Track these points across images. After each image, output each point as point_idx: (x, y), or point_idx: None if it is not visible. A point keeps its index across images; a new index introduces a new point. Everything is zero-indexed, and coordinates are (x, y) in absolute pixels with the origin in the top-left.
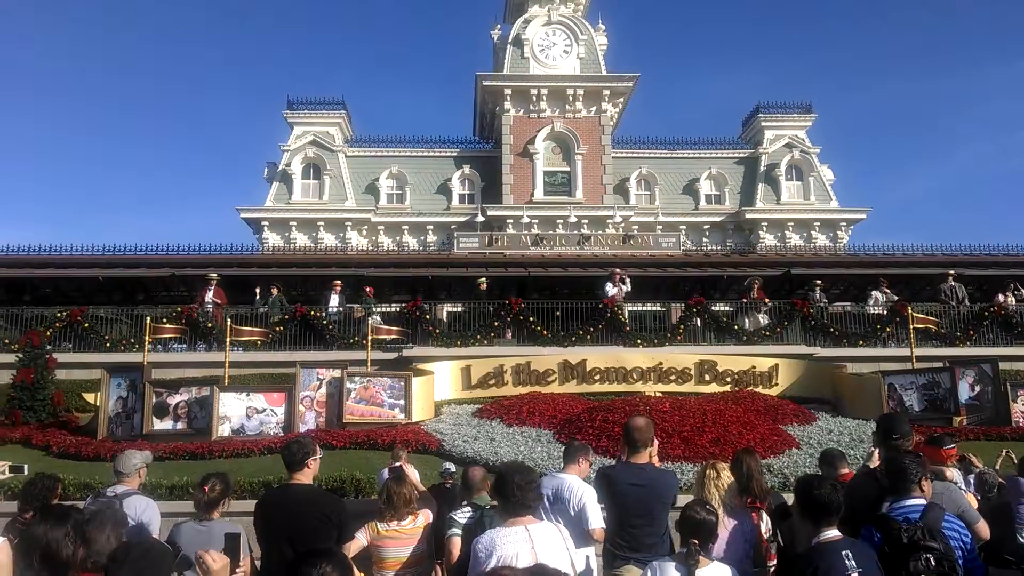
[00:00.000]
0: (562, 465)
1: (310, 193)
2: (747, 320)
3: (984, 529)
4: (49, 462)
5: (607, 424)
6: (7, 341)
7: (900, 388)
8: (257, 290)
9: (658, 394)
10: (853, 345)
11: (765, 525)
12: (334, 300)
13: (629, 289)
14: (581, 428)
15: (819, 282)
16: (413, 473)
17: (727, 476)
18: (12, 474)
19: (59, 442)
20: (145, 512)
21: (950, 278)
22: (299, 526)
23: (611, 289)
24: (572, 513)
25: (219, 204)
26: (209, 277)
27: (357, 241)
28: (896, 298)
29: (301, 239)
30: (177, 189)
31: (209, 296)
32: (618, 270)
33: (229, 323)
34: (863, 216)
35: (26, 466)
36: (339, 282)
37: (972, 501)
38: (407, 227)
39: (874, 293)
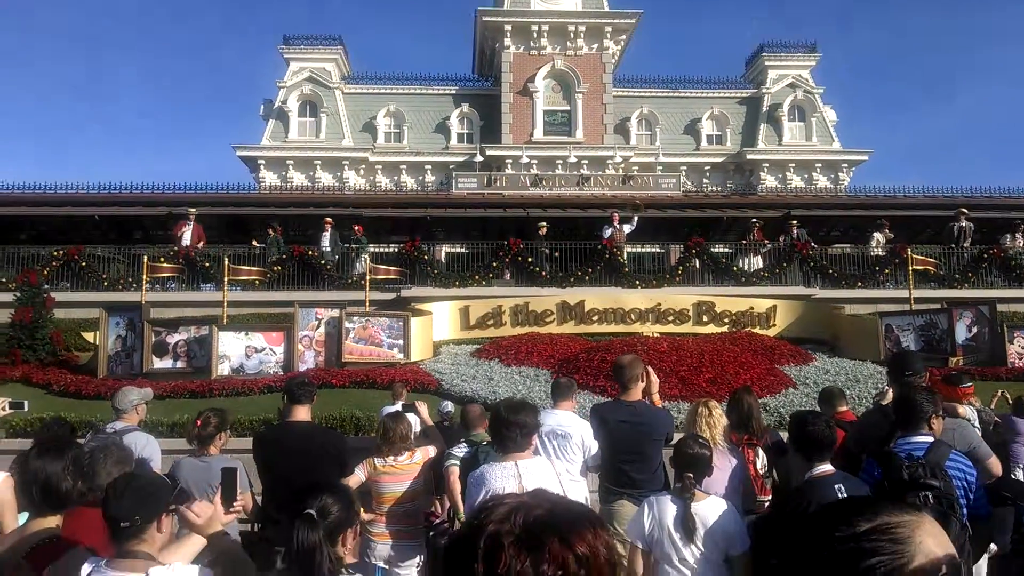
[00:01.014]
0: (553, 403)
1: (307, 131)
2: (744, 262)
3: (996, 465)
4: (50, 400)
5: (604, 364)
6: (4, 280)
7: (897, 329)
8: (270, 231)
9: (656, 335)
10: (852, 287)
11: (761, 461)
12: (326, 239)
13: (633, 228)
14: (579, 368)
15: (794, 221)
16: (423, 409)
17: (719, 414)
18: (12, 410)
19: (59, 381)
20: (146, 448)
21: (962, 217)
22: (300, 461)
23: (608, 230)
24: (569, 447)
25: (216, 143)
26: (188, 212)
27: (354, 181)
28: (892, 238)
29: (298, 178)
30: (174, 127)
31: (188, 232)
32: (616, 212)
33: (227, 262)
34: (865, 158)
35: (26, 402)
36: (330, 219)
37: None
38: (405, 167)
39: (875, 235)
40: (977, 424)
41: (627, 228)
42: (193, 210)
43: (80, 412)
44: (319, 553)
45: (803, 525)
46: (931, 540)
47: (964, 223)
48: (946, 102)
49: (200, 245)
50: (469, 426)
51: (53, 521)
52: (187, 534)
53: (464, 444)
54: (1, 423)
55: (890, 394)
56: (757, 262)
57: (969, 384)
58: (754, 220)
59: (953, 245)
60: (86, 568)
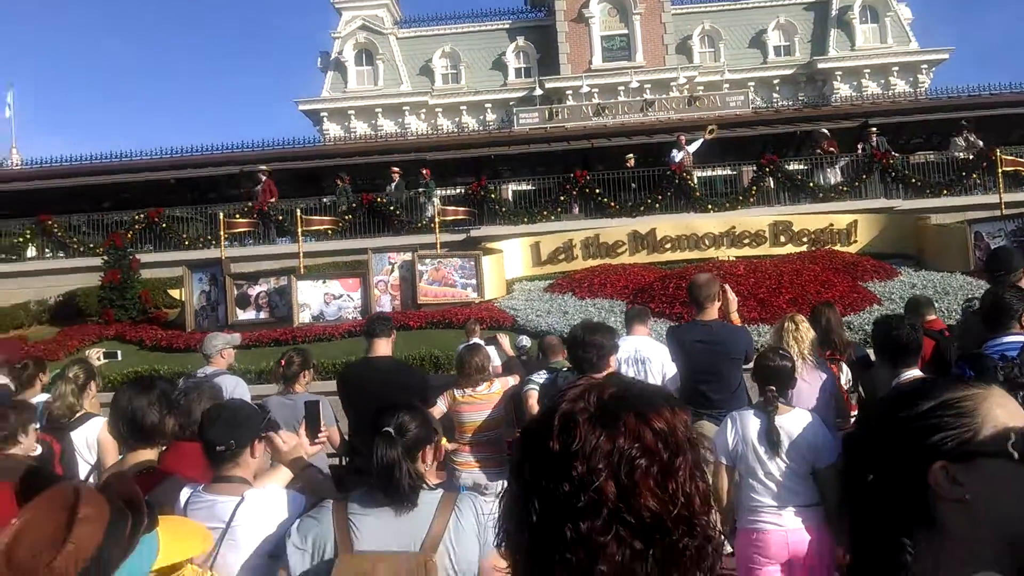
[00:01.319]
0: (627, 330)
1: (365, 80)
2: (820, 176)
3: None
4: (143, 355)
5: (680, 291)
6: (92, 246)
7: (988, 236)
8: (338, 182)
9: (732, 258)
10: (936, 195)
11: (845, 376)
12: (393, 187)
13: (700, 146)
14: (654, 296)
15: (874, 129)
16: (505, 341)
17: (806, 328)
18: (106, 360)
19: (151, 336)
20: (236, 390)
21: None
22: (383, 393)
23: (678, 155)
24: (649, 372)
25: (280, 99)
26: (259, 170)
27: (416, 125)
28: (979, 143)
29: (360, 128)
30: (239, 87)
31: (259, 188)
32: (683, 135)
33: (299, 214)
34: (945, 56)
35: (119, 352)
36: (397, 168)
37: None
38: (465, 107)
39: (956, 139)
40: None
41: (693, 147)
42: (264, 167)
43: (172, 364)
44: (399, 469)
45: (873, 414)
46: (1000, 411)
47: None
48: None
49: (272, 200)
50: (547, 355)
51: (147, 455)
52: (276, 465)
53: (544, 372)
54: (98, 373)
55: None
56: (834, 176)
57: None
58: (824, 131)
59: None
60: (185, 493)
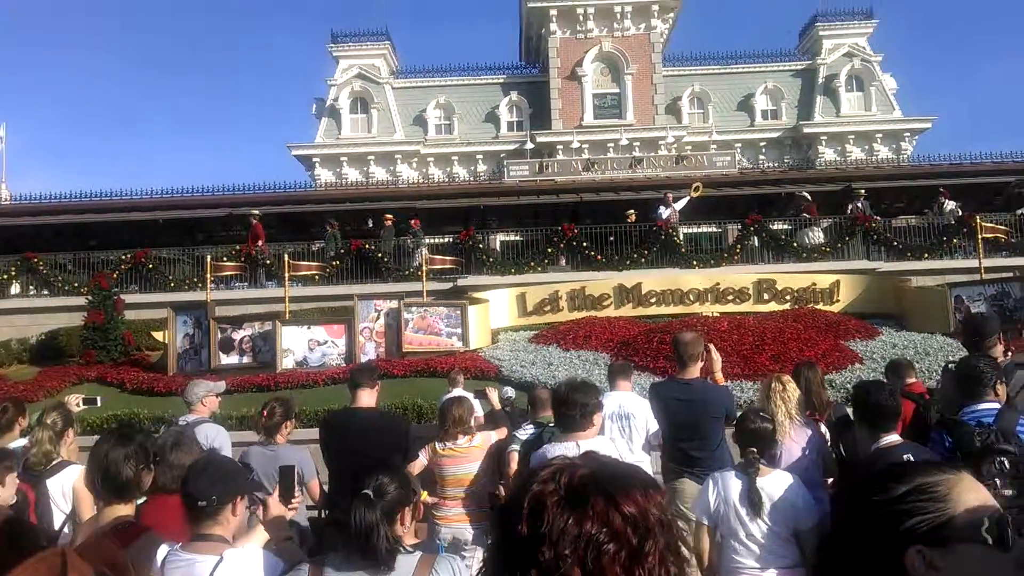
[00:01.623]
0: (610, 386)
1: (359, 128)
2: (806, 238)
3: None
4: (124, 398)
5: (664, 345)
6: (76, 285)
7: (967, 300)
8: (328, 227)
9: (716, 314)
10: (918, 258)
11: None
12: (385, 232)
13: (685, 204)
14: (638, 350)
15: (862, 192)
16: (493, 395)
17: (793, 388)
18: (86, 406)
19: (132, 379)
20: (216, 438)
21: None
22: (365, 446)
23: (665, 211)
24: (632, 428)
25: (271, 143)
26: (251, 214)
27: (407, 174)
28: (958, 209)
29: (352, 174)
30: (230, 130)
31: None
32: (670, 192)
33: (287, 259)
34: (928, 125)
35: (99, 398)
36: (390, 216)
37: None
38: (456, 157)
39: (946, 202)
40: None
41: (679, 205)
42: (256, 212)
43: (152, 408)
44: (376, 532)
45: (847, 496)
46: (971, 495)
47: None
48: (1014, 61)
49: (259, 244)
50: (536, 408)
51: (122, 510)
52: (255, 524)
53: (531, 426)
54: (76, 419)
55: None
56: (817, 237)
57: None
58: (806, 195)
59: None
60: (162, 551)
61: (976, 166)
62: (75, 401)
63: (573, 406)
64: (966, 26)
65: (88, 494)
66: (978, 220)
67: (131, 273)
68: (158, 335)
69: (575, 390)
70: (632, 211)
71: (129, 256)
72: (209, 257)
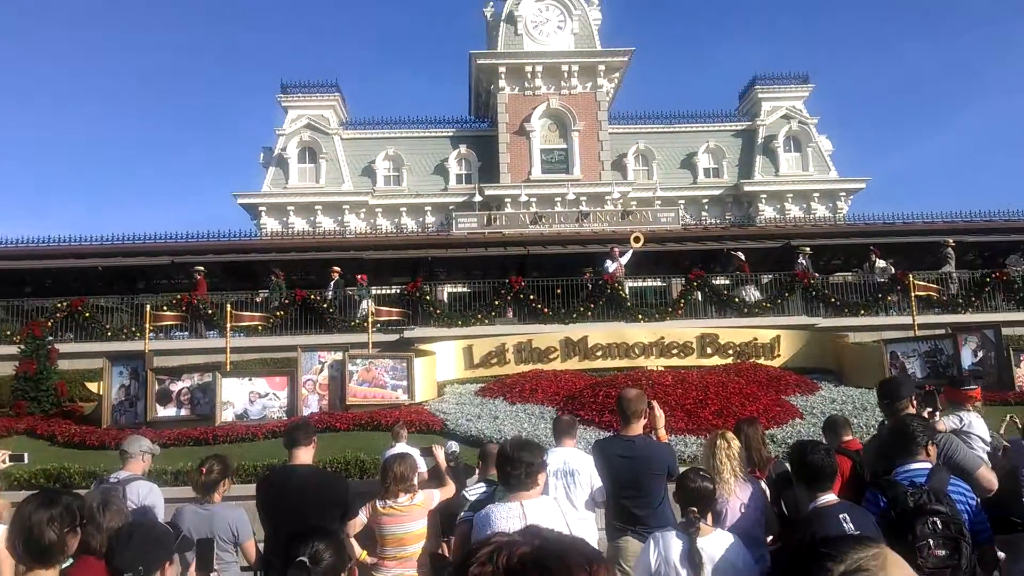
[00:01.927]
0: (556, 441)
1: (307, 177)
2: (744, 294)
3: (986, 476)
4: (54, 452)
5: (609, 399)
6: (9, 333)
7: (902, 356)
8: (272, 277)
9: (660, 368)
10: (854, 314)
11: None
12: (332, 285)
13: (630, 257)
14: (584, 404)
15: (807, 249)
16: (440, 453)
17: (737, 445)
18: (12, 463)
19: (63, 432)
20: (148, 496)
21: (948, 247)
22: (303, 505)
23: (611, 265)
24: (577, 485)
25: (216, 191)
26: (196, 271)
27: (355, 224)
28: (883, 265)
29: (299, 224)
30: (174, 177)
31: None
32: (616, 246)
33: (229, 309)
34: (862, 186)
35: (26, 455)
36: (338, 268)
37: None
38: (405, 208)
39: (878, 261)
40: (978, 432)
41: (625, 259)
42: (201, 267)
43: (84, 462)
44: None
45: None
46: (898, 571)
47: (949, 250)
48: (943, 126)
49: (201, 296)
50: (488, 464)
51: (45, 575)
52: None
53: (482, 484)
54: (2, 476)
55: None
56: (753, 294)
57: (974, 387)
58: (738, 254)
59: (946, 272)
60: None
61: (908, 225)
62: (1, 458)
63: (518, 465)
64: (897, 93)
65: (9, 557)
66: (911, 278)
67: (67, 321)
68: (92, 386)
69: (520, 448)
70: (589, 268)
71: (65, 304)
72: (149, 306)
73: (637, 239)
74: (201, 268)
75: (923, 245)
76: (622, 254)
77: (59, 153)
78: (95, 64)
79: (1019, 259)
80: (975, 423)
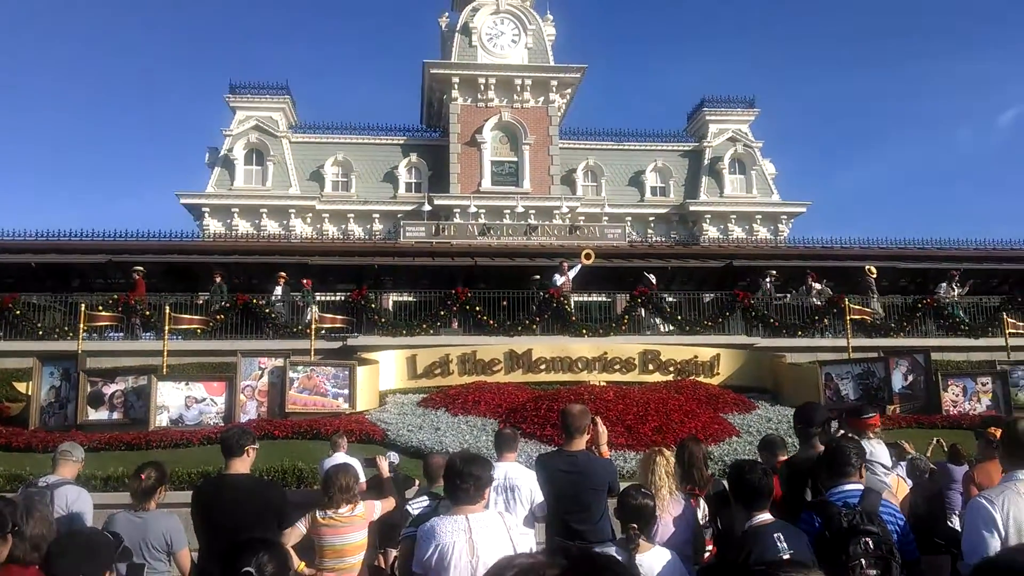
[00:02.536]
0: (497, 455)
1: (253, 179)
2: (652, 318)
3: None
4: None
5: (552, 413)
6: None
7: (836, 377)
8: (217, 279)
9: (603, 383)
10: (792, 336)
11: (702, 511)
12: (278, 291)
13: (577, 271)
14: (526, 417)
15: (774, 272)
16: (383, 464)
17: (673, 462)
18: None
19: None
20: (76, 502)
21: (870, 274)
22: (238, 515)
23: (559, 279)
24: (518, 499)
25: (159, 190)
26: (135, 271)
27: (301, 229)
28: (820, 288)
29: (243, 226)
30: (114, 173)
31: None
32: (565, 261)
33: (168, 311)
34: (803, 209)
35: None
36: (284, 274)
37: (903, 487)
38: (352, 215)
39: (814, 285)
40: (880, 459)
41: (572, 273)
42: (140, 267)
43: (9, 465)
44: None
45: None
46: None
47: (870, 278)
48: (880, 155)
49: (139, 297)
50: (432, 478)
51: None
52: None
53: (425, 498)
54: None
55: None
56: (656, 318)
57: (872, 415)
58: (649, 277)
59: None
60: None
61: (846, 250)
62: None
63: (467, 479)
64: (838, 119)
65: None
66: (847, 302)
67: None
68: (21, 386)
69: (470, 463)
70: (538, 275)
71: None
72: (83, 305)
73: (588, 256)
74: (140, 268)
75: (860, 269)
76: (571, 268)
77: None
78: (32, 56)
79: (948, 287)
80: (876, 450)
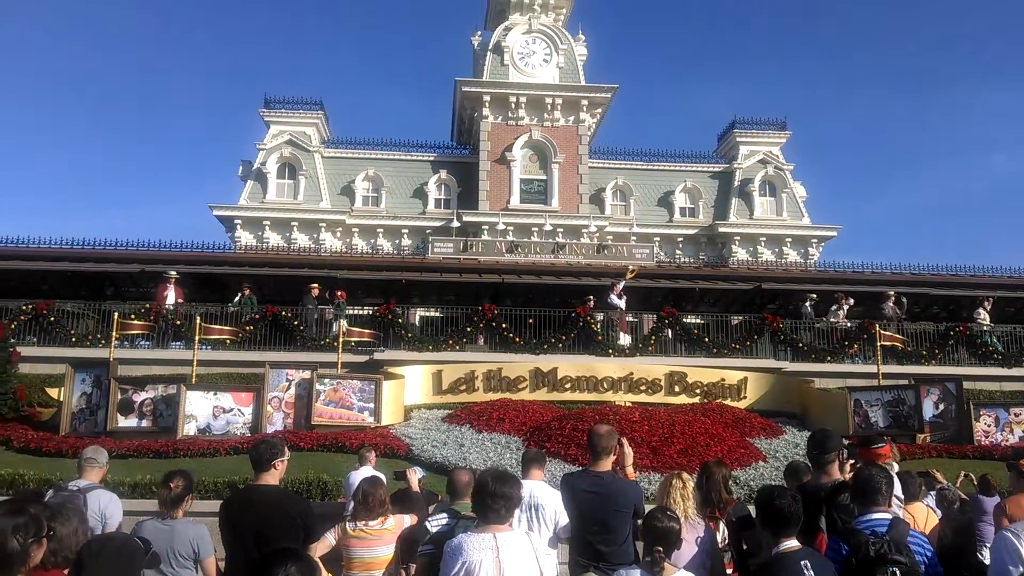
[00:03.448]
0: (523, 472)
1: (285, 193)
2: (621, 338)
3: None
4: (8, 457)
5: (576, 432)
6: None
7: (866, 404)
8: (246, 290)
9: (628, 404)
10: (821, 360)
11: (722, 535)
12: (310, 303)
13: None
14: (551, 436)
15: (814, 296)
16: (413, 477)
17: (692, 487)
18: None
19: (20, 437)
20: (108, 506)
21: (890, 299)
22: (265, 526)
23: (619, 301)
24: (543, 519)
25: (192, 201)
26: (168, 275)
27: (331, 243)
28: (847, 307)
29: (274, 239)
30: (150, 185)
31: (170, 294)
32: (614, 280)
33: (198, 321)
34: (834, 233)
35: None
36: (316, 285)
37: (932, 517)
38: (382, 230)
39: (840, 308)
40: (896, 489)
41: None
42: (174, 272)
43: (39, 469)
44: None
45: None
46: None
47: (891, 304)
48: (913, 180)
49: (179, 302)
50: (455, 494)
51: None
52: None
53: (445, 515)
54: None
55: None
56: (626, 340)
57: (882, 445)
58: (620, 296)
59: (887, 322)
60: None
61: (877, 275)
62: None
63: (498, 499)
64: (872, 146)
65: None
66: (877, 328)
67: (31, 324)
68: (53, 392)
69: (502, 482)
70: (591, 297)
71: (31, 306)
72: (116, 314)
73: (632, 271)
74: (175, 273)
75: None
76: (615, 285)
77: (34, 155)
78: (76, 69)
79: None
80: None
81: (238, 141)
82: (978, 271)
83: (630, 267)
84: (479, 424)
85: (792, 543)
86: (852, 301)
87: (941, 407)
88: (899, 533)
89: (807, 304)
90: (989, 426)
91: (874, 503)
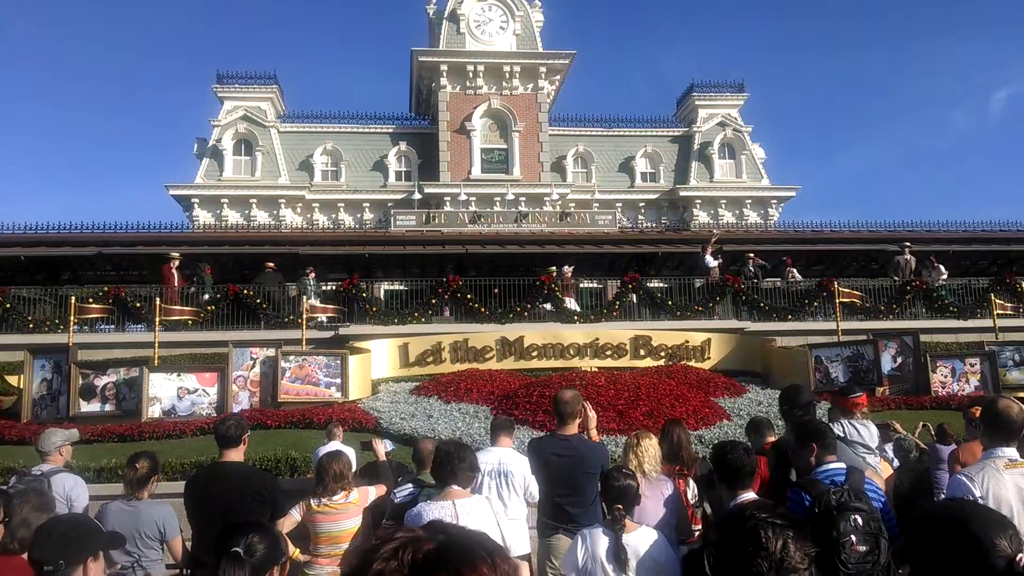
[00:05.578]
0: (492, 440)
1: (242, 169)
2: (568, 303)
3: (875, 476)
4: None
5: (544, 399)
6: None
7: (826, 360)
8: (208, 271)
9: (594, 369)
10: (782, 319)
11: (692, 491)
12: (269, 281)
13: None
14: (518, 404)
15: (752, 255)
16: (379, 447)
17: (648, 444)
18: None
19: None
20: (73, 489)
21: (907, 251)
22: (231, 503)
23: (712, 261)
24: (511, 484)
25: (148, 181)
26: (171, 256)
27: (291, 219)
28: (799, 277)
29: (233, 217)
30: (103, 165)
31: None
32: (707, 244)
33: (158, 302)
34: (793, 194)
35: None
36: (271, 263)
37: (887, 468)
38: (343, 204)
39: (790, 270)
40: (859, 440)
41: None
42: (176, 254)
43: (2, 458)
44: None
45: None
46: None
47: (908, 256)
48: (873, 138)
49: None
50: (421, 463)
51: None
52: None
53: (410, 486)
54: None
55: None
56: (572, 304)
57: (859, 393)
58: (566, 268)
59: (895, 277)
60: None
61: (835, 233)
62: None
63: (456, 466)
64: (828, 105)
65: None
66: (836, 285)
67: None
68: (13, 379)
69: (459, 450)
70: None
71: None
72: (74, 298)
73: (716, 234)
74: (177, 255)
75: (849, 253)
76: (705, 248)
77: None
78: (20, 47)
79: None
80: (861, 431)
81: (192, 119)
82: (934, 225)
83: (715, 230)
84: (447, 395)
85: (749, 495)
86: (795, 271)
87: (899, 360)
88: (856, 481)
89: (749, 265)
90: (946, 377)
91: (832, 450)
